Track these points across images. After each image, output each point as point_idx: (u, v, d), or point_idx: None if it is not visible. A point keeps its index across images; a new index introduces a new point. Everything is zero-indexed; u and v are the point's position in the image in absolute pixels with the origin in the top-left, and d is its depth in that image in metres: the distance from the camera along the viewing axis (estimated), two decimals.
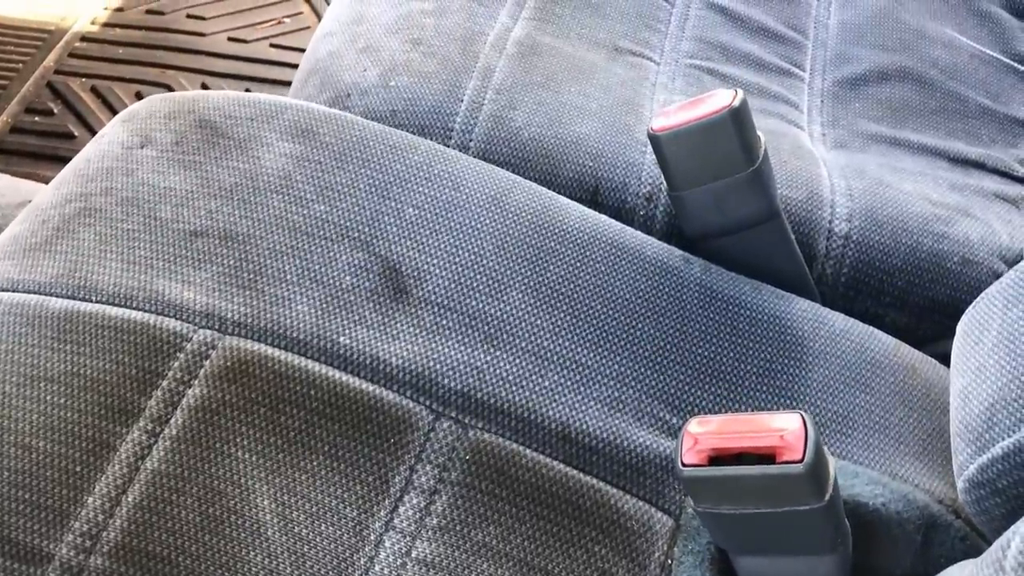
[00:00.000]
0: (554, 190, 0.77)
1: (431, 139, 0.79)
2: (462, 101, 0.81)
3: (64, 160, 0.81)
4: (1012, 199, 0.89)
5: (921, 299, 0.78)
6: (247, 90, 1.38)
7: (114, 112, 1.33)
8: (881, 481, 0.60)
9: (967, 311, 0.67)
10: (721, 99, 0.70)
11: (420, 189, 0.69)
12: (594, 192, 0.77)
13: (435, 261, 0.66)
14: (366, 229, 0.66)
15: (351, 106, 0.82)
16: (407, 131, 0.79)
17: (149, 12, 1.47)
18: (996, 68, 1.03)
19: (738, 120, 0.69)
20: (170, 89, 1.37)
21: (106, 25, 1.44)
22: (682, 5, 1.00)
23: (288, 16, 1.50)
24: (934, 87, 0.99)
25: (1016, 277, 0.64)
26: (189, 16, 1.47)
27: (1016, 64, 1.04)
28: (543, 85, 0.83)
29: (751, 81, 0.95)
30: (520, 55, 0.86)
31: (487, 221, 0.69)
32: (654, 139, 0.71)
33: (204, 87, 1.38)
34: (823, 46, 1.02)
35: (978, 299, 0.66)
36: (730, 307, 0.69)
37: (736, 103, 0.69)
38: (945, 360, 0.73)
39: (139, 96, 1.35)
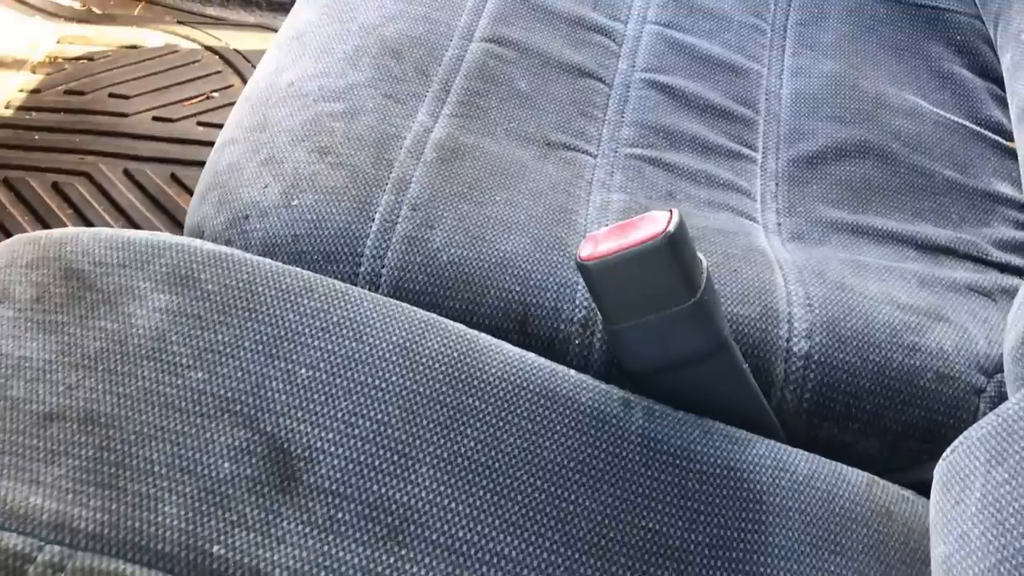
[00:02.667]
0: (477, 321, 0.67)
1: (338, 265, 0.69)
2: (373, 220, 0.71)
3: None
4: (987, 291, 0.80)
5: (894, 423, 0.69)
6: (172, 175, 1.29)
7: (30, 208, 1.23)
8: None
9: (945, 457, 0.58)
10: (655, 223, 0.61)
11: (316, 343, 0.60)
12: (522, 321, 0.68)
13: (330, 436, 0.56)
14: (250, 400, 0.57)
15: (249, 230, 0.72)
16: (311, 258, 0.70)
17: (68, 92, 1.37)
18: (962, 136, 0.94)
19: (675, 247, 0.60)
20: (90, 178, 1.27)
21: (21, 109, 1.34)
22: (621, 86, 0.91)
23: (217, 90, 1.41)
24: (897, 162, 0.90)
25: (998, 425, 0.55)
26: (111, 96, 1.37)
27: (983, 130, 0.96)
28: (465, 195, 0.74)
29: (698, 168, 0.86)
30: (440, 160, 0.77)
31: (394, 378, 0.59)
32: (582, 269, 0.62)
33: (127, 173, 1.28)
34: (776, 120, 0.93)
35: (957, 442, 0.57)
36: (677, 462, 0.60)
37: (672, 227, 0.60)
38: (923, 489, 0.64)
39: (56, 188, 1.25)
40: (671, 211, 0.62)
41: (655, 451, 0.60)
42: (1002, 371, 0.72)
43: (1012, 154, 0.94)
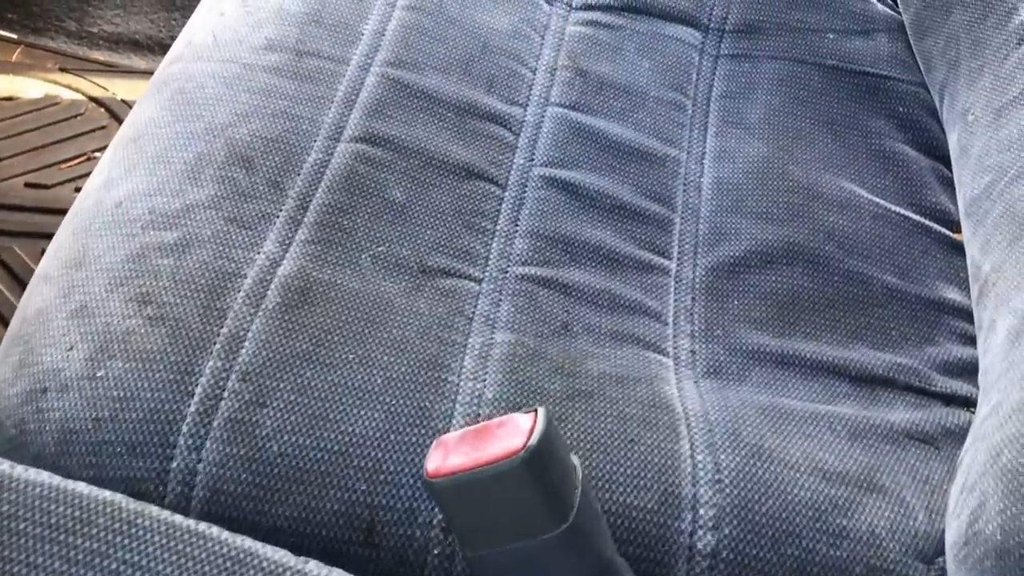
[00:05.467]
0: (312, 531, 0.55)
1: (145, 460, 0.56)
2: (192, 397, 0.58)
3: None
4: (929, 436, 0.69)
5: None
6: (42, 251, 1.14)
7: None
8: None
9: None
10: (515, 431, 0.49)
11: None
12: (368, 529, 0.55)
13: None
14: None
15: (46, 408, 0.59)
16: (114, 450, 0.57)
17: None
18: (904, 231, 0.82)
19: (537, 467, 0.48)
20: None
21: None
22: (516, 186, 0.78)
23: (99, 149, 1.26)
24: (830, 269, 0.78)
25: None
26: None
27: (927, 221, 0.84)
28: (310, 357, 0.61)
29: (600, 288, 0.73)
30: (284, 308, 0.64)
31: None
32: (428, 486, 0.50)
33: None
34: (694, 217, 0.81)
35: None
36: None
37: (534, 439, 0.48)
38: None
39: None
40: (536, 413, 0.50)
41: None
42: (943, 552, 0.61)
43: (958, 248, 0.83)
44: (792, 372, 0.71)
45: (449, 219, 0.74)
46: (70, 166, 1.24)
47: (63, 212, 1.19)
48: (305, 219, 0.70)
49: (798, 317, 0.75)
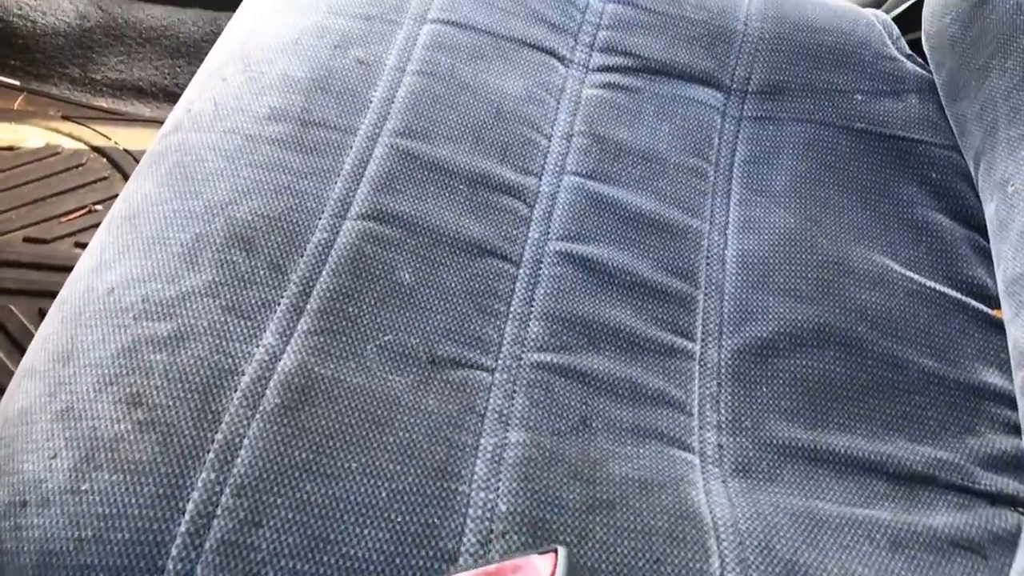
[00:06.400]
0: None
1: None
2: (183, 515, 0.54)
3: None
4: (975, 544, 0.64)
5: None
6: (40, 312, 1.11)
7: None
8: None
9: None
10: None
11: None
12: None
13: None
14: None
15: (25, 525, 0.54)
16: (98, 575, 0.53)
17: None
18: (940, 308, 0.78)
19: None
20: None
21: None
22: (530, 263, 0.74)
23: (101, 202, 1.22)
24: (864, 351, 0.73)
25: None
26: None
27: (963, 296, 0.79)
28: (310, 467, 0.57)
29: (621, 376, 0.68)
30: (283, 409, 0.59)
31: None
32: None
33: None
34: (719, 293, 0.76)
35: None
36: None
37: None
38: None
39: None
40: (555, 555, 0.45)
41: None
42: None
43: (998, 326, 0.78)
44: (826, 470, 0.67)
45: (460, 302, 0.69)
46: (70, 219, 1.20)
47: (62, 268, 1.16)
48: (308, 306, 0.65)
49: (830, 406, 0.70)
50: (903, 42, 0.94)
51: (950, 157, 0.87)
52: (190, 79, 1.32)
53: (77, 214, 1.20)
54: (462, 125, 0.79)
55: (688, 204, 0.81)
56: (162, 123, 1.32)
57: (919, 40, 0.95)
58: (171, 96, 1.34)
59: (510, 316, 0.70)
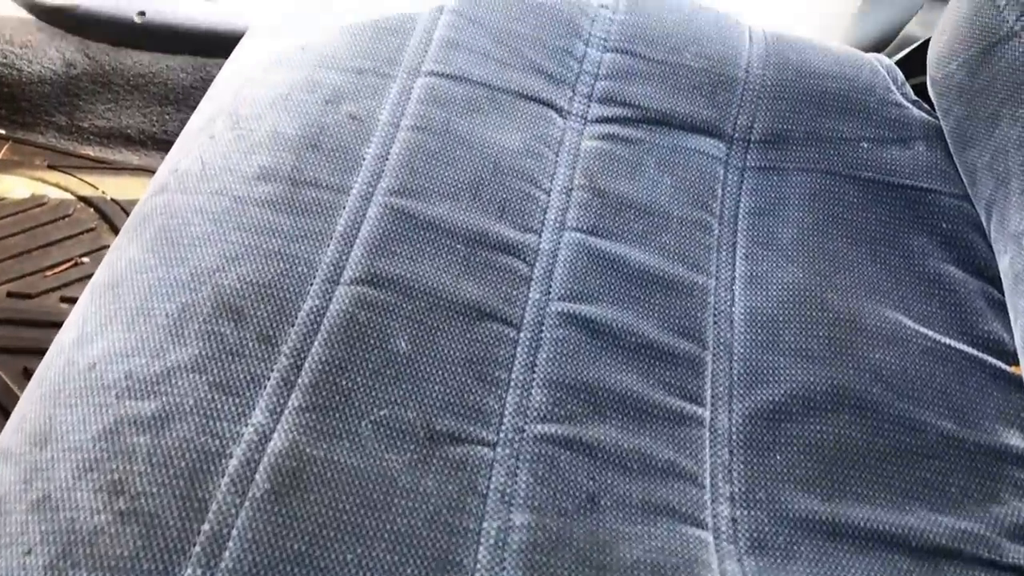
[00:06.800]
0: None
1: None
2: None
3: None
4: None
5: None
6: (24, 371, 1.07)
7: None
8: None
9: None
10: None
11: None
12: None
13: None
14: None
15: None
16: None
17: None
18: (956, 366, 0.75)
19: None
20: None
21: None
22: (532, 326, 0.71)
23: (88, 253, 1.19)
24: (880, 414, 0.70)
25: None
26: None
27: (980, 353, 0.76)
28: (302, 559, 0.53)
29: (629, 447, 0.65)
30: (273, 496, 0.56)
31: None
32: None
33: None
34: (727, 353, 0.73)
35: None
36: None
37: None
38: None
39: None
40: None
41: None
42: None
43: (1017, 383, 0.75)
44: (846, 545, 0.63)
45: (459, 370, 0.66)
46: (56, 273, 1.17)
47: (48, 325, 1.12)
48: (299, 380, 0.62)
49: (848, 474, 0.67)
50: (908, 87, 0.92)
51: (960, 206, 0.84)
52: (179, 126, 1.30)
53: (63, 267, 1.17)
54: (459, 181, 0.76)
55: (693, 259, 0.78)
56: (151, 171, 1.29)
57: (923, 84, 0.93)
58: (160, 144, 1.31)
59: (511, 384, 0.67)
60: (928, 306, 0.78)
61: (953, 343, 0.76)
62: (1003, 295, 0.79)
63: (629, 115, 0.86)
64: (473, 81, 0.83)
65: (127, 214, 1.22)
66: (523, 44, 0.87)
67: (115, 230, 1.22)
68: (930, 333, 0.76)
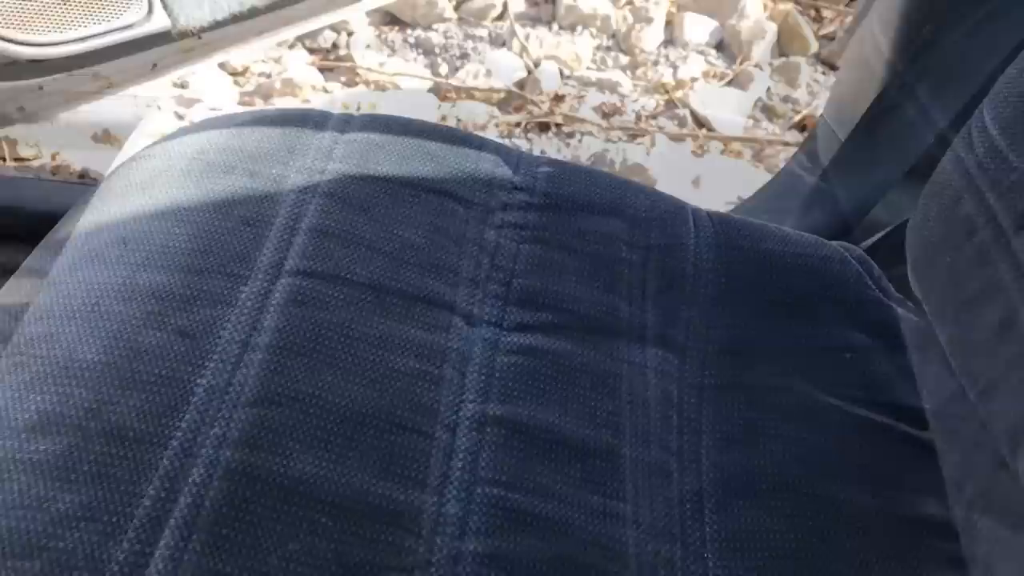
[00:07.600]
0: None
1: None
2: None
3: None
4: None
5: None
6: None
7: None
8: None
9: None
10: None
11: None
12: None
13: None
14: None
15: None
16: None
17: None
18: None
19: None
20: None
21: None
22: None
23: None
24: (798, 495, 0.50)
25: None
26: None
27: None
28: None
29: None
30: None
31: None
32: None
33: None
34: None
35: None
36: None
37: None
38: None
39: None
40: None
41: None
42: None
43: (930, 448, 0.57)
44: None
45: None
46: None
47: None
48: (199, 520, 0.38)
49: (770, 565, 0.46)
50: (886, 282, 0.76)
51: None
52: None
53: None
54: (326, 434, 0.55)
55: (656, 525, 0.58)
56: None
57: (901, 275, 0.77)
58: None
59: None
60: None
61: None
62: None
63: (555, 321, 0.67)
64: (353, 282, 0.64)
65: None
66: (416, 234, 0.68)
67: None
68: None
